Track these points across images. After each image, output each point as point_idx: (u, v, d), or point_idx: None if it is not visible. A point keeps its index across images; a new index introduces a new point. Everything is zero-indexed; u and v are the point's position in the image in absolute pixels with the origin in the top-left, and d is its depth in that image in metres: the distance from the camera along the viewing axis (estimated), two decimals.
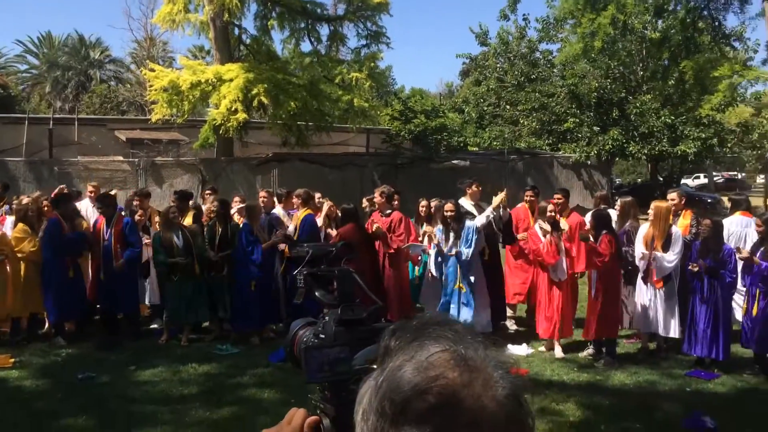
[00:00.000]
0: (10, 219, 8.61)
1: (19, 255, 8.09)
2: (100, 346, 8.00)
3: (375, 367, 0.87)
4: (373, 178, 20.45)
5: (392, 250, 8.20)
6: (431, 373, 0.77)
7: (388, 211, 8.43)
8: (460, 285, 7.66)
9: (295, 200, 9.00)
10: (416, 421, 0.74)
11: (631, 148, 23.93)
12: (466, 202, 8.40)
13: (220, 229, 8.28)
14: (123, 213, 8.93)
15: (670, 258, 7.12)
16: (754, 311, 6.60)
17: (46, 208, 8.57)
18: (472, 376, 0.77)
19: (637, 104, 24.13)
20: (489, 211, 8.22)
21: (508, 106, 26.48)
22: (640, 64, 25.88)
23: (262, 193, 9.78)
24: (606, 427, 5.45)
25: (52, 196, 9.05)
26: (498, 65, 27.90)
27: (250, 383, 6.68)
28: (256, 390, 6.44)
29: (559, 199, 8.12)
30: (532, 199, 8.72)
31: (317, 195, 9.47)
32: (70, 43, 43.31)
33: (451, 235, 7.69)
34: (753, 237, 7.64)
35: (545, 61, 28.16)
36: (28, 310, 8.29)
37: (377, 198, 8.58)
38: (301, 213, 8.64)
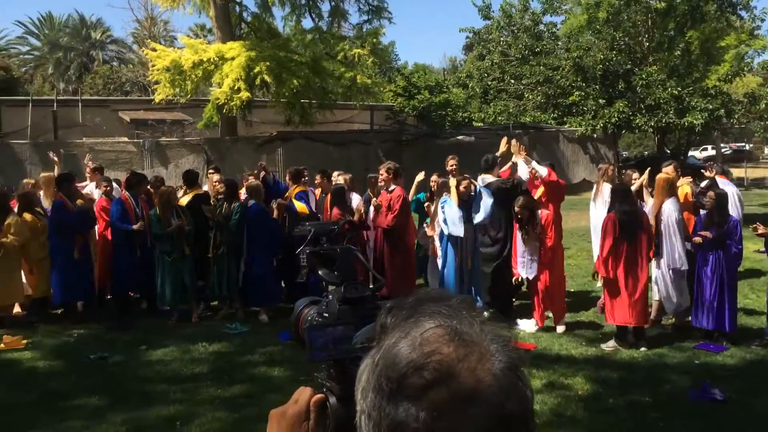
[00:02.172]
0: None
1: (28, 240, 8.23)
2: (111, 326, 8.08)
3: (370, 345, 0.88)
4: (378, 155, 20.41)
5: (385, 226, 8.17)
6: (426, 348, 0.77)
7: (392, 188, 8.43)
8: (468, 261, 7.66)
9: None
10: (413, 398, 0.75)
11: (637, 121, 23.74)
12: (489, 179, 8.31)
13: (225, 208, 8.34)
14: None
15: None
16: None
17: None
18: (467, 350, 0.77)
19: (643, 76, 23.87)
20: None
21: (512, 80, 26.23)
22: (646, 35, 25.54)
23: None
24: (614, 401, 5.48)
25: (55, 177, 9.13)
26: (502, 39, 27.59)
27: (260, 361, 6.74)
28: (266, 368, 6.50)
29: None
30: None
31: (335, 173, 9.68)
32: (71, 24, 43.10)
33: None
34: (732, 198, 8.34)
35: (549, 33, 27.83)
36: (40, 292, 8.41)
37: (382, 174, 8.52)
38: (293, 190, 8.74)
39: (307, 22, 20.86)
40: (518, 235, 7.49)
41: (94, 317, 8.45)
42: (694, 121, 23.32)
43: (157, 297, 8.44)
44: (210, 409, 5.44)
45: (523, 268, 7.43)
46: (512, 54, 26.64)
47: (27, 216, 8.22)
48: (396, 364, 0.78)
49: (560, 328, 7.47)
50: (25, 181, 9.96)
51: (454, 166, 8.58)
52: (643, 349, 6.72)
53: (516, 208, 7.35)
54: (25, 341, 7.43)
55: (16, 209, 8.38)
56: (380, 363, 0.80)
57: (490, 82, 26.98)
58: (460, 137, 21.93)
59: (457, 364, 0.76)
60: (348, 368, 1.32)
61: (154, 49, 19.38)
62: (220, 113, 19.30)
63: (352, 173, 10.98)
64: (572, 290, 9.13)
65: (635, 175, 8.47)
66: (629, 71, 24.67)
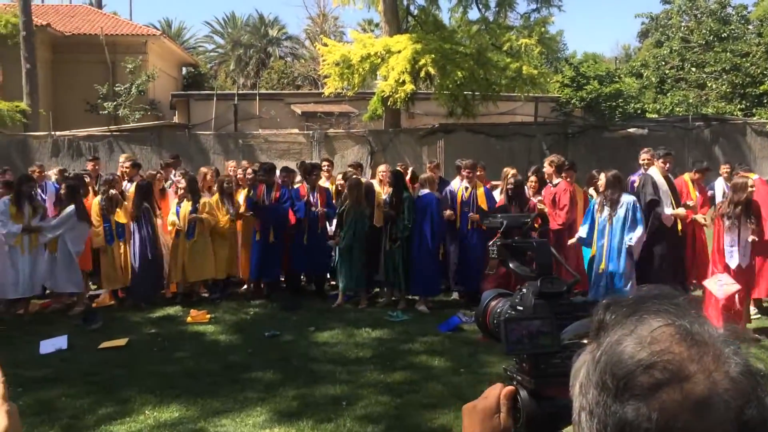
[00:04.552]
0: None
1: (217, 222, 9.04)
2: (283, 306, 8.59)
3: (585, 341, 0.86)
4: (542, 148, 19.82)
5: (557, 227, 7.84)
6: (655, 347, 0.74)
7: (556, 182, 8.14)
8: (603, 268, 7.18)
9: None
10: (642, 397, 0.72)
11: None
12: (655, 173, 7.75)
13: (394, 200, 8.50)
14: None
15: None
16: None
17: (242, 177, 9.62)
18: (701, 351, 0.73)
19: None
20: (669, 211, 7.59)
21: (693, 69, 24.31)
22: None
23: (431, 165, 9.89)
24: None
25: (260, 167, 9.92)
26: (683, 24, 25.66)
27: (420, 350, 6.83)
28: (427, 357, 6.57)
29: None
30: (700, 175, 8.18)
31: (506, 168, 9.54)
32: (251, 23, 46.20)
33: (606, 208, 7.18)
34: None
35: (739, 17, 25.45)
36: (224, 273, 9.17)
37: (547, 168, 8.28)
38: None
39: (474, 13, 20.71)
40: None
41: (268, 296, 9.07)
42: None
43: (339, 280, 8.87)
44: (373, 392, 5.60)
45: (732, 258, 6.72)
46: (694, 40, 24.68)
47: (214, 199, 8.98)
48: (622, 361, 0.75)
49: None
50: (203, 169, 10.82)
51: (647, 161, 8.06)
52: None
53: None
54: (208, 316, 8.13)
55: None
56: (602, 359, 0.77)
57: (667, 71, 25.20)
58: (631, 130, 20.67)
59: (690, 365, 0.72)
60: (542, 363, 1.29)
61: (326, 44, 20.24)
62: (384, 105, 19.75)
63: (516, 166, 10.76)
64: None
65: None
66: None
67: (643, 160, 8.08)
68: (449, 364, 6.31)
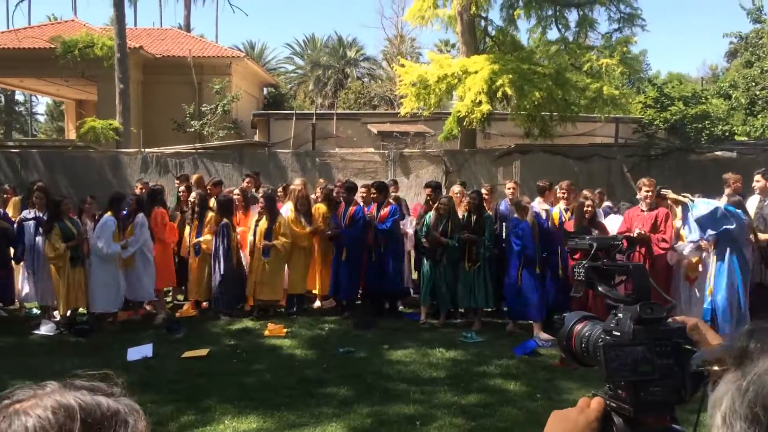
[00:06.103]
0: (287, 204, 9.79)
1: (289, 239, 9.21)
2: (357, 324, 8.67)
3: (715, 368, 0.84)
4: (622, 170, 19.28)
5: (662, 251, 7.52)
6: None
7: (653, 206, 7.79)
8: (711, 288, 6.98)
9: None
10: None
11: None
12: (753, 196, 7.49)
13: (473, 219, 8.45)
14: None
15: None
16: None
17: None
18: None
19: None
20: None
21: None
22: None
23: (510, 184, 9.78)
24: None
25: (341, 186, 10.06)
26: None
27: (495, 373, 6.74)
28: (502, 380, 6.47)
29: None
30: None
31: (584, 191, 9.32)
32: (330, 44, 47.26)
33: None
34: None
35: None
36: (301, 289, 9.36)
37: (647, 189, 7.79)
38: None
39: (553, 33, 20.49)
40: None
41: (343, 313, 9.19)
42: None
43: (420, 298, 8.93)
44: (447, 413, 5.56)
45: None
46: None
47: (290, 217, 9.21)
48: None
49: None
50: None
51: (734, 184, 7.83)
52: None
53: None
54: (285, 330, 8.30)
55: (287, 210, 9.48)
56: (751, 390, 0.75)
57: (758, 92, 24.11)
58: (719, 152, 19.84)
59: None
60: (642, 390, 1.27)
61: (403, 65, 20.46)
62: (460, 126, 19.73)
63: (595, 188, 10.53)
64: None
65: None
66: None
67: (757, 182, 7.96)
68: (525, 389, 6.19)
